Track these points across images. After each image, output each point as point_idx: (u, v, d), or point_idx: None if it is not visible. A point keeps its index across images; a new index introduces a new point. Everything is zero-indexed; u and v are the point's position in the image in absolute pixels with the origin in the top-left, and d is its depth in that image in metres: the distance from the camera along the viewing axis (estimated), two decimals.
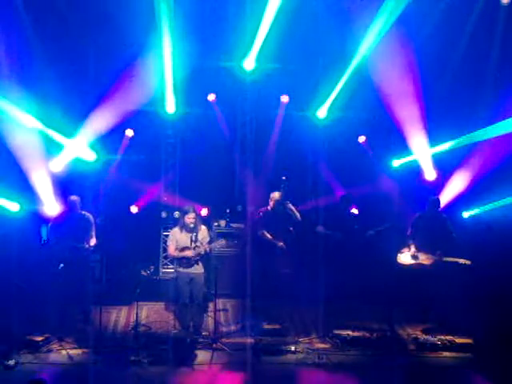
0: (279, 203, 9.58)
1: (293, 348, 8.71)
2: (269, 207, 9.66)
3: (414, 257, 9.64)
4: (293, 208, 9.71)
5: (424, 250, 9.61)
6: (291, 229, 9.70)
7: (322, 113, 11.32)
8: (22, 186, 10.20)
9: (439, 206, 9.89)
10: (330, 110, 11.24)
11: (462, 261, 9.38)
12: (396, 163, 11.53)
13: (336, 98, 11.06)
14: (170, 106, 11.01)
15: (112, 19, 10.01)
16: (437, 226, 9.69)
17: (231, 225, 11.24)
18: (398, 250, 9.76)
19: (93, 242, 9.51)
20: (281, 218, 9.63)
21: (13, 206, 10.11)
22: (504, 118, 10.14)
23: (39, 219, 10.42)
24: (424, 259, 9.58)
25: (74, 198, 9.56)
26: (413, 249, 9.66)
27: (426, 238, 9.65)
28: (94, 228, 9.62)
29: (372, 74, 10.61)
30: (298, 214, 9.71)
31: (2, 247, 9.84)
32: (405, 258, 9.69)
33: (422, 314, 9.65)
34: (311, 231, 10.60)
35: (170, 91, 10.75)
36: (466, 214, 10.91)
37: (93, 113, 10.48)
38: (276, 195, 9.60)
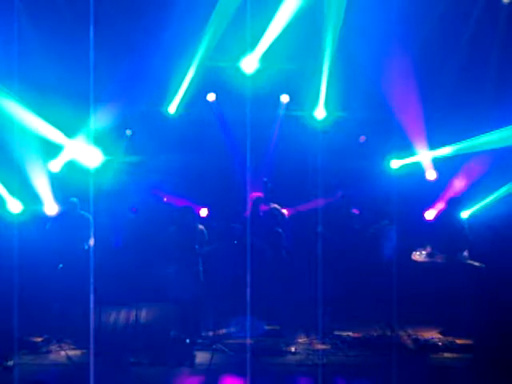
0: (259, 204, 9.64)
1: (293, 349, 8.72)
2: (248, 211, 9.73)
3: (430, 256, 9.61)
4: (279, 208, 9.74)
5: (440, 250, 9.58)
6: (280, 230, 9.72)
7: (320, 113, 11.31)
8: (22, 186, 10.20)
9: (459, 207, 9.87)
10: (330, 109, 11.24)
11: (475, 263, 9.42)
12: (395, 164, 11.51)
13: (335, 97, 11.08)
14: (173, 106, 11.04)
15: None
16: (454, 227, 9.67)
17: (231, 225, 11.21)
18: (414, 249, 9.74)
19: (91, 242, 9.50)
20: (266, 219, 9.66)
21: (15, 207, 10.12)
22: (505, 119, 10.18)
23: (39, 220, 10.40)
24: (439, 258, 9.56)
25: (73, 199, 9.60)
26: (429, 249, 9.64)
27: (443, 238, 9.62)
28: (92, 229, 9.60)
29: (371, 73, 10.63)
30: (285, 215, 9.75)
31: (2, 248, 9.84)
32: (419, 256, 9.67)
33: (431, 316, 9.62)
34: (311, 232, 10.59)
35: (182, 91, 10.78)
36: (464, 214, 10.89)
37: (96, 111, 10.47)
38: (252, 196, 9.69)
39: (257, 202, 9.72)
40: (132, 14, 10.15)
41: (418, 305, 9.74)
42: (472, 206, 10.72)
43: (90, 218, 9.64)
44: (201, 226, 9.33)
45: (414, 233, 10.18)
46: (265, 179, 9.79)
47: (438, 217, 9.98)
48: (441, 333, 9.27)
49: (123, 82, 10.47)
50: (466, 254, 9.50)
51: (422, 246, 9.68)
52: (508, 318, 8.87)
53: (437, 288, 9.43)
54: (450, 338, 8.89)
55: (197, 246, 9.25)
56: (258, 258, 9.50)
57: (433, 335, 9.18)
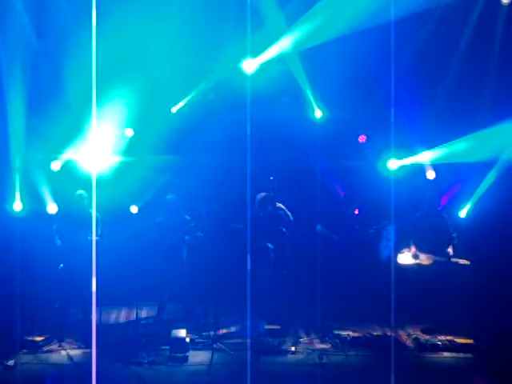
0: (265, 204, 9.68)
1: (293, 348, 8.73)
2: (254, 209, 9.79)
3: (415, 256, 9.66)
4: (284, 208, 9.79)
5: (424, 249, 9.63)
6: (284, 230, 9.74)
7: (318, 113, 11.36)
8: (24, 185, 10.24)
9: (438, 203, 9.95)
10: (329, 109, 11.29)
11: (461, 261, 9.45)
12: (394, 164, 11.52)
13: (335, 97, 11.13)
14: (175, 106, 11.11)
15: None
16: (437, 226, 9.72)
17: (231, 225, 11.23)
18: (399, 251, 9.78)
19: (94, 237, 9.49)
20: (271, 219, 9.69)
21: (16, 206, 10.13)
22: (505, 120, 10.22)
23: (43, 219, 10.42)
24: (424, 259, 9.61)
25: (81, 192, 9.54)
26: (413, 249, 9.68)
27: (426, 237, 9.67)
28: (100, 225, 9.59)
29: (370, 73, 10.66)
30: (289, 214, 9.79)
31: (4, 247, 9.86)
32: (405, 258, 9.71)
33: (421, 313, 9.66)
34: (311, 231, 10.61)
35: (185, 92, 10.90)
36: (462, 213, 10.91)
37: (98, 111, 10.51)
38: (259, 196, 9.73)
39: (263, 201, 9.74)
40: (133, 13, 10.18)
41: (417, 304, 9.75)
42: (463, 205, 10.79)
43: (98, 214, 9.63)
44: (186, 216, 9.71)
45: (407, 233, 10.21)
46: (271, 178, 9.81)
47: (421, 216, 10.00)
48: (422, 331, 9.30)
49: (124, 81, 10.52)
50: (449, 250, 9.54)
51: (407, 247, 9.72)
52: (499, 314, 8.97)
53: (435, 287, 9.47)
54: (449, 338, 8.90)
55: (186, 237, 9.68)
56: (261, 257, 9.54)
57: (430, 335, 9.20)
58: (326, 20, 10.31)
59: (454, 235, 9.71)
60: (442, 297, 9.37)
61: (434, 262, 9.53)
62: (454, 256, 9.48)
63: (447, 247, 9.55)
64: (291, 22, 10.55)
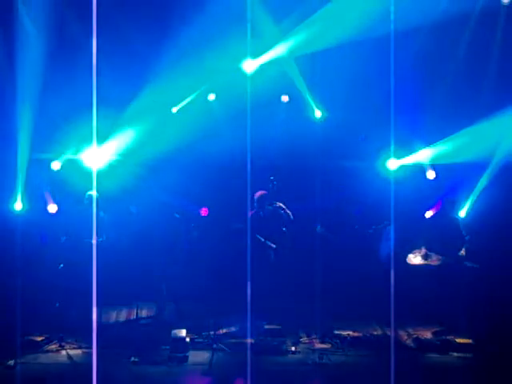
0: (263, 202, 9.69)
1: (293, 348, 8.73)
2: (253, 209, 9.79)
3: (425, 257, 9.65)
4: (284, 207, 9.80)
5: (435, 251, 9.61)
6: (284, 229, 9.75)
7: (318, 113, 11.37)
8: (24, 184, 10.25)
9: (454, 208, 9.95)
10: (328, 109, 11.30)
11: (469, 264, 9.47)
12: (393, 164, 11.51)
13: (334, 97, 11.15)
14: (176, 106, 11.15)
15: None
16: (450, 228, 9.71)
17: (231, 225, 11.22)
18: (409, 251, 9.77)
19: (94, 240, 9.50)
20: (271, 218, 9.69)
21: (16, 205, 10.15)
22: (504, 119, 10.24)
23: (42, 218, 10.43)
24: (434, 260, 9.59)
25: (93, 192, 9.50)
26: (424, 250, 9.67)
27: (438, 239, 9.66)
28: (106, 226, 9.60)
29: (371, 72, 10.68)
30: (290, 214, 9.80)
31: (4, 247, 9.86)
32: (415, 258, 9.71)
33: (429, 315, 9.65)
34: (311, 231, 10.61)
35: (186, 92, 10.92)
36: (462, 213, 10.90)
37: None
38: (256, 195, 9.74)
39: (262, 200, 9.77)
40: (133, 17, 10.22)
41: (417, 305, 9.75)
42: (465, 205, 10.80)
43: (103, 215, 9.62)
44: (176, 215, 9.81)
45: (414, 233, 10.22)
46: (271, 177, 9.84)
47: (432, 217, 10.00)
48: (434, 333, 9.29)
49: (125, 81, 10.54)
50: (462, 252, 9.54)
51: (417, 248, 9.72)
52: (504, 317, 8.95)
53: (436, 288, 9.46)
54: (450, 338, 8.90)
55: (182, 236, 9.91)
56: (260, 257, 9.53)
57: (431, 335, 9.20)
58: (327, 25, 10.35)
59: (467, 238, 9.71)
60: (443, 297, 9.36)
61: (442, 263, 9.52)
62: (465, 258, 9.50)
63: (460, 250, 9.54)
64: (294, 26, 10.59)
